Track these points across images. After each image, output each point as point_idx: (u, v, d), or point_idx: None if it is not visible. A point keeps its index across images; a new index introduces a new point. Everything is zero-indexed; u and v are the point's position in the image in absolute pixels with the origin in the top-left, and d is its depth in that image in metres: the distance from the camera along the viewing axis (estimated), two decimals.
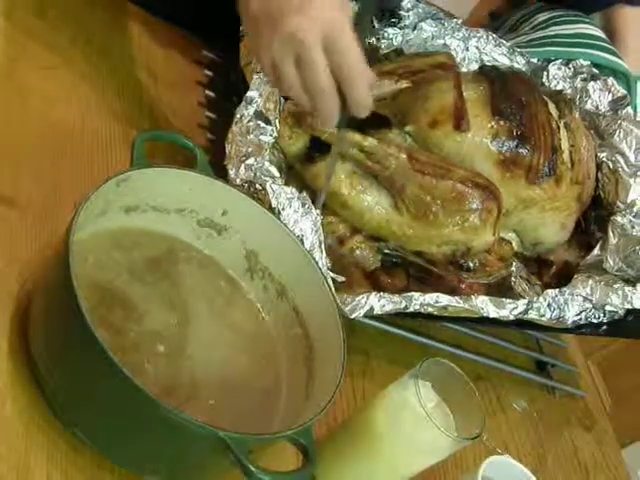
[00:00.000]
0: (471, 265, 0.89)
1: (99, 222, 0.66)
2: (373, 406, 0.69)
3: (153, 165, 0.67)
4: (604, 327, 0.91)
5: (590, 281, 0.89)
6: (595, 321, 0.89)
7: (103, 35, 0.93)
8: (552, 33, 1.11)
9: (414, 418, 0.66)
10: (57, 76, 0.84)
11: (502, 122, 0.88)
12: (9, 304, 0.64)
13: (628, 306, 0.89)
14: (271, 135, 0.81)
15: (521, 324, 0.87)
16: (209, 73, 0.97)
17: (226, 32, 0.96)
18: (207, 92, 0.95)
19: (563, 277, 0.94)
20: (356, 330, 0.82)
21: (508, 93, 0.90)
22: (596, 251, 0.94)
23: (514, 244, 0.95)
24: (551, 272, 0.96)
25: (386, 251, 0.88)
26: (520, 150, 0.88)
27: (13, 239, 0.69)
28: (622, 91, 1.05)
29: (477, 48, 1.05)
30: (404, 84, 0.90)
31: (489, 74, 0.93)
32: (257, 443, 0.59)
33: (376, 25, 1.01)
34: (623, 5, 1.14)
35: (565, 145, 0.93)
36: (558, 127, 0.92)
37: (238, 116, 0.81)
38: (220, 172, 0.77)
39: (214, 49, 1.00)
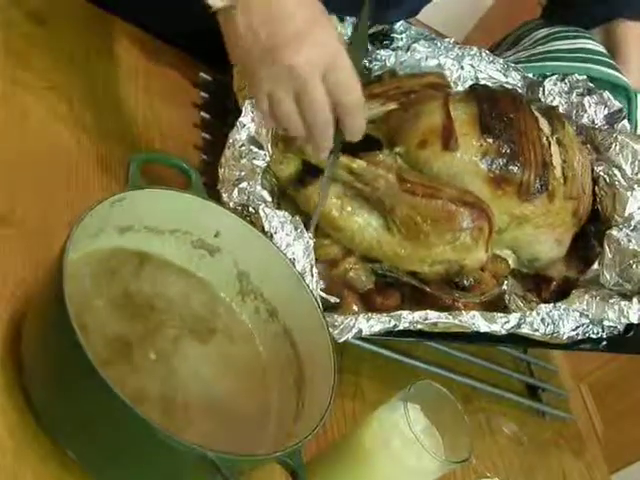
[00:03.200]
0: (466, 283, 0.89)
1: (93, 242, 0.67)
2: (363, 428, 0.70)
3: (148, 186, 0.68)
4: (604, 343, 0.90)
5: (586, 296, 0.89)
6: (594, 336, 0.89)
7: (101, 55, 0.94)
8: (552, 48, 1.12)
9: (403, 441, 0.67)
10: (54, 96, 0.85)
11: (491, 140, 0.88)
12: (1, 323, 0.65)
13: (625, 321, 0.89)
14: (263, 159, 0.82)
15: (514, 340, 0.87)
16: (205, 95, 0.98)
17: (223, 54, 0.97)
18: (202, 114, 0.96)
19: (562, 293, 0.94)
20: (347, 351, 0.82)
21: (497, 111, 0.90)
22: (595, 266, 0.94)
23: (510, 261, 0.95)
24: (551, 288, 0.96)
25: (379, 272, 0.88)
26: (510, 167, 0.88)
27: (7, 257, 0.69)
28: (618, 105, 1.05)
29: (472, 66, 1.06)
30: (392, 106, 0.91)
31: (478, 93, 0.93)
32: (246, 464, 0.59)
33: (369, 48, 1.01)
34: (623, 20, 1.14)
35: (557, 161, 0.93)
36: (549, 143, 0.92)
37: (231, 141, 0.82)
38: (214, 193, 0.78)
39: (211, 70, 1.00)
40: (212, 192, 0.77)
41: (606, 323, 0.89)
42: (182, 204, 0.70)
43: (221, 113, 0.95)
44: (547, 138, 0.93)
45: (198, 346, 0.70)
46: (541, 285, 0.97)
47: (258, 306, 0.74)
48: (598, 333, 0.89)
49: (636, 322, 0.90)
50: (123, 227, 0.69)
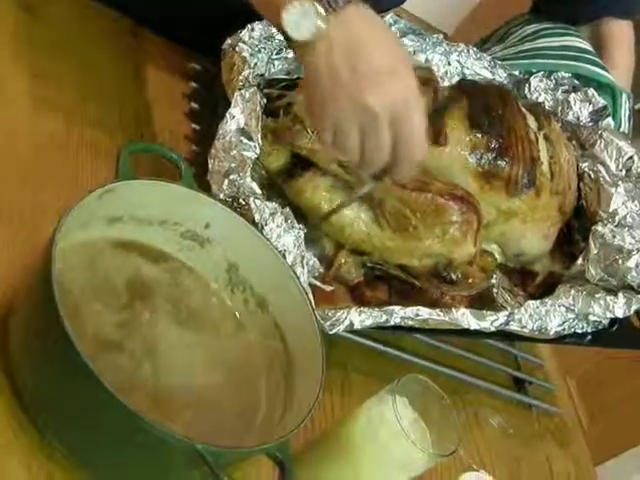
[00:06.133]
0: (454, 277, 0.89)
1: (82, 233, 0.67)
2: (351, 421, 0.70)
3: (138, 177, 0.68)
4: (588, 337, 0.91)
5: (572, 291, 0.90)
6: (579, 331, 0.90)
7: (90, 44, 0.93)
8: (540, 45, 1.12)
9: (391, 433, 0.67)
10: (44, 85, 0.84)
11: (480, 135, 0.88)
12: None
13: (610, 315, 0.89)
14: (254, 151, 0.82)
15: (503, 336, 0.87)
16: (195, 85, 0.98)
17: (212, 43, 0.96)
18: (192, 104, 0.95)
19: (548, 287, 0.94)
20: (335, 344, 0.82)
21: (485, 106, 0.90)
22: (579, 261, 0.95)
23: (497, 255, 0.95)
24: (536, 283, 0.97)
25: (368, 265, 0.88)
26: (498, 162, 0.88)
27: None
28: (602, 102, 1.06)
29: (459, 62, 1.06)
30: None
31: (467, 88, 0.93)
32: (234, 456, 0.59)
33: None
34: (611, 18, 1.14)
35: (544, 156, 0.93)
36: (537, 139, 0.93)
37: (220, 132, 0.81)
38: (204, 184, 0.78)
39: (200, 60, 1.00)
40: (202, 183, 0.77)
41: (591, 318, 0.89)
42: (172, 195, 0.70)
43: (211, 104, 0.94)
44: (535, 134, 0.93)
45: (186, 337, 0.70)
46: (526, 280, 0.97)
47: (247, 298, 0.74)
48: (583, 328, 0.90)
49: (621, 316, 0.90)
50: (112, 218, 0.69)
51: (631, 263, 0.92)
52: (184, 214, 0.72)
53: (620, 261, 0.92)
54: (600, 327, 0.91)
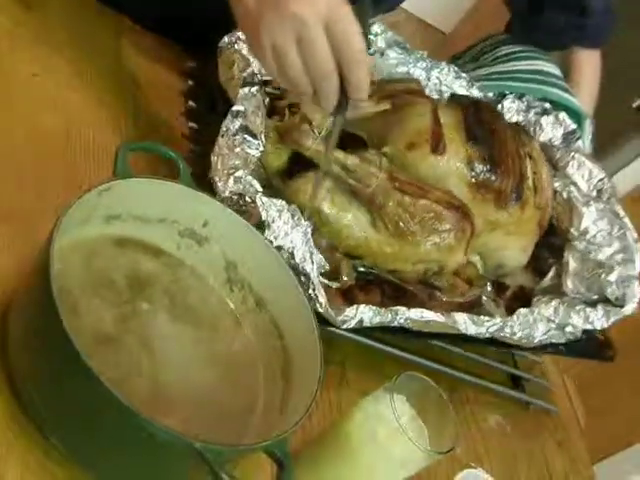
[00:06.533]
0: (439, 285, 0.91)
1: (80, 231, 0.67)
2: (348, 419, 0.70)
3: (136, 175, 0.68)
4: (563, 347, 0.94)
5: (553, 302, 0.92)
6: (555, 341, 0.93)
7: (87, 42, 0.93)
8: (512, 68, 1.16)
9: (388, 431, 0.67)
10: (42, 84, 0.84)
11: (475, 147, 0.91)
12: None
13: (589, 327, 0.93)
14: (257, 149, 0.82)
15: (493, 342, 0.90)
16: (192, 83, 0.98)
17: (211, 43, 0.96)
18: (190, 103, 0.95)
19: (518, 300, 0.97)
20: (333, 342, 0.83)
21: (480, 120, 0.93)
22: (550, 275, 0.98)
23: (479, 266, 0.97)
24: (507, 295, 0.99)
25: (360, 269, 0.89)
26: (491, 175, 0.91)
27: None
28: (573, 125, 1.10)
29: (438, 79, 1.08)
30: (385, 106, 0.92)
31: (462, 101, 0.96)
32: (232, 454, 0.60)
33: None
34: (580, 47, 1.20)
35: (529, 172, 0.96)
36: (525, 154, 0.96)
37: (224, 129, 0.82)
38: (202, 183, 0.78)
39: (197, 58, 1.00)
40: (200, 181, 0.77)
41: (568, 329, 0.92)
42: (170, 193, 0.70)
43: (208, 102, 0.94)
44: (522, 150, 0.96)
45: (185, 335, 0.70)
46: (499, 292, 1.00)
47: (245, 296, 0.74)
48: (559, 338, 0.93)
49: (599, 328, 0.94)
50: (111, 216, 0.69)
51: (612, 277, 0.95)
52: (182, 212, 0.72)
53: (603, 275, 0.95)
54: (572, 338, 0.94)
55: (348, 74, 0.73)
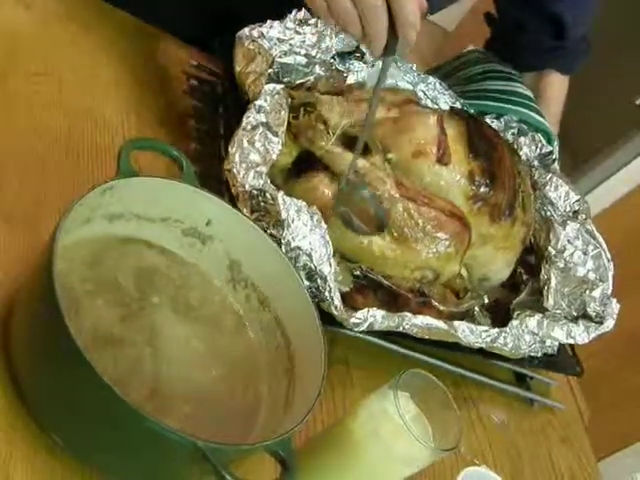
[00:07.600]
0: (429, 293, 0.91)
1: (83, 230, 0.67)
2: (352, 416, 0.70)
3: (139, 174, 0.68)
4: (540, 361, 0.95)
5: (536, 316, 0.93)
6: (534, 354, 0.94)
7: (88, 40, 0.93)
8: (487, 87, 1.18)
9: (393, 429, 0.67)
10: (44, 83, 0.85)
11: (477, 160, 0.91)
12: None
13: (571, 341, 0.94)
14: (276, 146, 0.82)
15: (484, 353, 0.90)
16: (195, 83, 0.98)
17: (215, 41, 0.96)
18: (194, 102, 0.95)
19: (494, 313, 0.98)
20: (336, 340, 0.83)
21: (481, 134, 0.94)
22: (526, 291, 1.00)
23: (465, 278, 0.97)
24: (484, 307, 1.00)
25: (356, 273, 0.89)
26: (489, 189, 0.91)
27: None
28: (549, 147, 1.11)
29: (423, 92, 1.09)
30: (395, 113, 0.93)
31: (462, 114, 0.97)
32: (235, 453, 0.59)
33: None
34: (553, 71, 1.23)
35: (520, 189, 0.97)
36: (517, 172, 0.97)
37: (245, 122, 0.82)
38: (206, 182, 0.78)
39: (201, 57, 1.00)
40: (203, 180, 0.77)
41: (547, 343, 0.94)
42: (173, 192, 0.70)
43: (212, 101, 0.94)
44: (515, 167, 0.97)
45: (188, 333, 0.70)
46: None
47: (249, 294, 0.74)
48: (537, 352, 0.94)
49: (580, 343, 0.95)
50: (114, 215, 0.69)
51: (595, 294, 0.96)
52: (186, 211, 0.72)
53: (587, 292, 0.97)
54: (550, 352, 0.95)
55: (398, 9, 0.72)
